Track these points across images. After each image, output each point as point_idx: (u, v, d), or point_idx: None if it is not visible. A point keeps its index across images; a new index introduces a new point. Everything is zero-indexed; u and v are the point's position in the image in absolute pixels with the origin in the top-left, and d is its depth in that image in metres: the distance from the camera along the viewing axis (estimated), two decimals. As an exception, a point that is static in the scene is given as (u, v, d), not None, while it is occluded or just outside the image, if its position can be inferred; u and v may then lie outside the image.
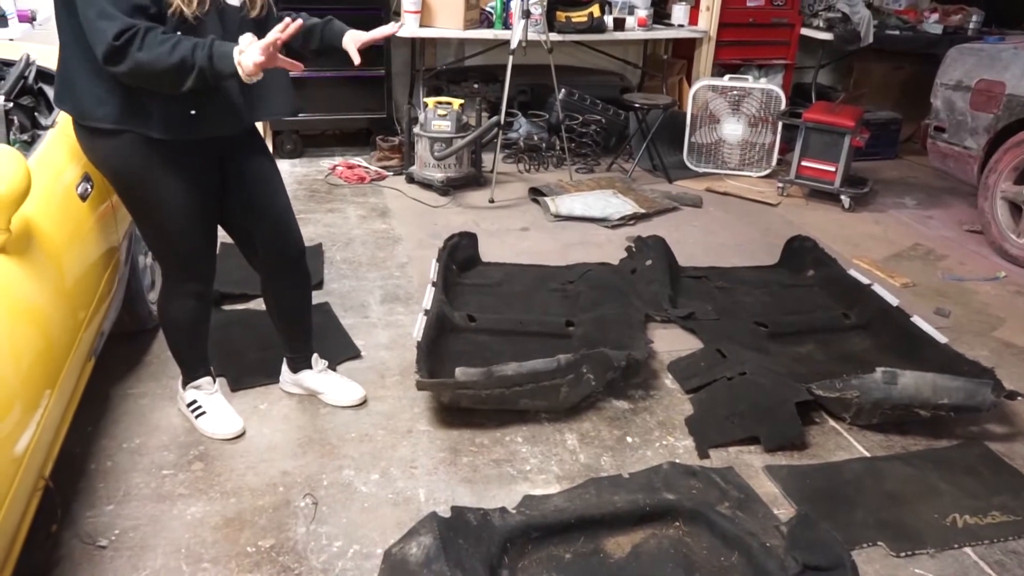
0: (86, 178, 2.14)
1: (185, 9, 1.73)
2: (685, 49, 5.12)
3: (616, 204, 4.00)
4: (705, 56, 4.97)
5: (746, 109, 4.64)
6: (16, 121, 2.21)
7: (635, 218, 3.93)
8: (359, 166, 4.47)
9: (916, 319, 2.79)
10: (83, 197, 2.10)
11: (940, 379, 2.30)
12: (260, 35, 1.86)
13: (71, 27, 1.74)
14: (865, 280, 3.12)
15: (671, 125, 4.72)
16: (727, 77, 4.70)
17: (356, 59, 2.00)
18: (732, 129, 4.68)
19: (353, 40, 2.01)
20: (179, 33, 1.72)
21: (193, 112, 1.84)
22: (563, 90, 4.57)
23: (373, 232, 3.70)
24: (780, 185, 4.42)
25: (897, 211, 4.31)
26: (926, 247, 3.83)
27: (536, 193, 4.18)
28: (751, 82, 4.68)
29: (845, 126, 4.16)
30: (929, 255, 3.75)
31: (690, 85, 4.86)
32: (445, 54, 5.05)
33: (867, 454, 2.25)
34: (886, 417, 2.33)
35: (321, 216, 3.84)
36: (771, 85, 4.68)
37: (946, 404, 2.28)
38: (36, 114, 2.33)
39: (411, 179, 4.34)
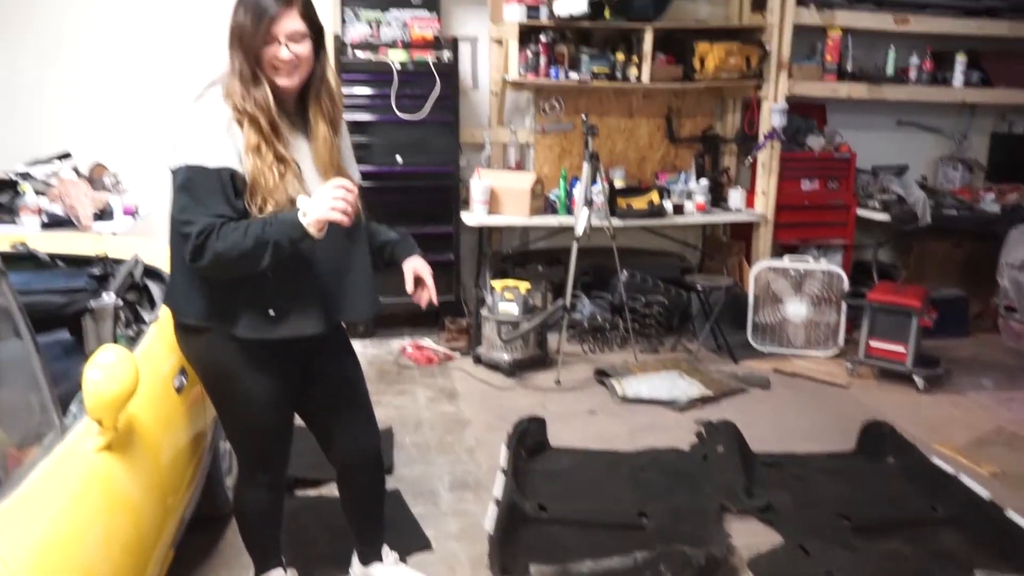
0: (182, 371, 2.26)
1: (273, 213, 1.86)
2: (743, 231, 5.26)
3: (683, 386, 4.00)
4: (763, 238, 5.10)
5: (808, 289, 4.69)
6: (122, 316, 2.38)
7: (703, 401, 3.91)
8: (428, 347, 4.59)
9: (1011, 513, 2.66)
10: (178, 390, 2.21)
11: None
12: (350, 244, 2.01)
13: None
14: (950, 469, 3.01)
15: (733, 305, 4.78)
16: (787, 258, 4.79)
17: (409, 287, 2.13)
18: (796, 309, 4.71)
19: (412, 269, 2.14)
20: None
21: (272, 313, 1.93)
22: (625, 272, 4.70)
23: (442, 415, 3.74)
24: (849, 365, 4.37)
25: (975, 392, 4.20)
26: (1010, 431, 3.70)
27: (602, 375, 4.21)
28: (811, 263, 4.76)
29: (912, 306, 4.16)
30: (1014, 440, 3.61)
31: (750, 266, 4.96)
32: (511, 238, 5.29)
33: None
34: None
35: (391, 398, 3.92)
36: (832, 265, 4.75)
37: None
38: (139, 309, 2.51)
39: (478, 360, 4.43)
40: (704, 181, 5.03)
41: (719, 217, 5.07)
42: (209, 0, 4.55)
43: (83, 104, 4.67)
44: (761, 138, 4.99)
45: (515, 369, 4.27)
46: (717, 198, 5.13)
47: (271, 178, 1.85)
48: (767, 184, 5.04)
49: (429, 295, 2.15)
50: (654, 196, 4.84)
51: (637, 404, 3.90)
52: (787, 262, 4.76)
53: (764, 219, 5.07)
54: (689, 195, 5.02)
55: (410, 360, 4.47)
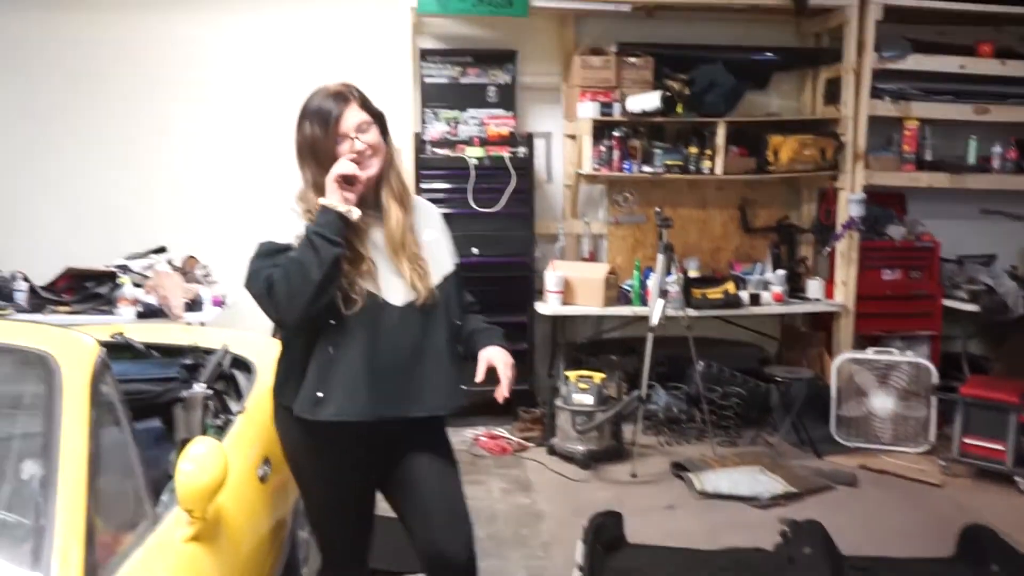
0: (266, 461, 2.31)
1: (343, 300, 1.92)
2: (823, 321, 5.14)
3: (765, 482, 3.86)
4: (844, 328, 4.97)
5: (895, 382, 4.52)
6: (211, 406, 2.45)
7: (787, 498, 3.76)
8: (502, 437, 4.57)
9: None
10: (262, 479, 2.25)
11: None
12: (422, 333, 1.99)
13: None
14: (1061, 579, 2.80)
15: (815, 398, 4.63)
16: (870, 350, 4.64)
17: (479, 376, 2.02)
18: (882, 403, 4.53)
19: (486, 359, 2.04)
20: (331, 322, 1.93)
21: (320, 394, 1.95)
22: (702, 362, 4.63)
23: (516, 507, 3.69)
24: (943, 463, 4.16)
25: (1083, 495, 3.93)
26: None
27: (679, 468, 4.11)
28: (897, 355, 4.60)
29: (1009, 401, 3.96)
30: None
31: (831, 357, 4.83)
32: (584, 328, 5.29)
33: None
34: None
35: (466, 489, 3.88)
36: (919, 358, 4.58)
37: None
38: (226, 399, 2.58)
39: (552, 451, 4.37)
40: (781, 271, 4.97)
41: (798, 307, 4.98)
42: (290, 104, 4.83)
43: (177, 201, 4.95)
44: (839, 228, 4.93)
45: (590, 461, 4.20)
46: (795, 288, 5.04)
47: (350, 273, 1.93)
48: (847, 274, 4.95)
49: (502, 388, 2.03)
50: (730, 286, 4.80)
51: (716, 500, 3.78)
52: (871, 354, 4.62)
53: (845, 309, 4.95)
54: (766, 285, 4.96)
55: (484, 450, 4.45)
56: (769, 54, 5.08)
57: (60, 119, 4.87)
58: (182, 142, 4.96)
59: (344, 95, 1.97)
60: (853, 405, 4.60)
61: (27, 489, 1.48)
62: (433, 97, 4.93)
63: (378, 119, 2.01)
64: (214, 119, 4.96)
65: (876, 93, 4.87)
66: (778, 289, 4.89)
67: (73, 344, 1.71)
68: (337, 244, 1.88)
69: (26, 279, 4.18)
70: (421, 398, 2.01)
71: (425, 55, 4.93)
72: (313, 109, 1.96)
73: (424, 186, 4.69)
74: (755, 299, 4.87)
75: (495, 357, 2.04)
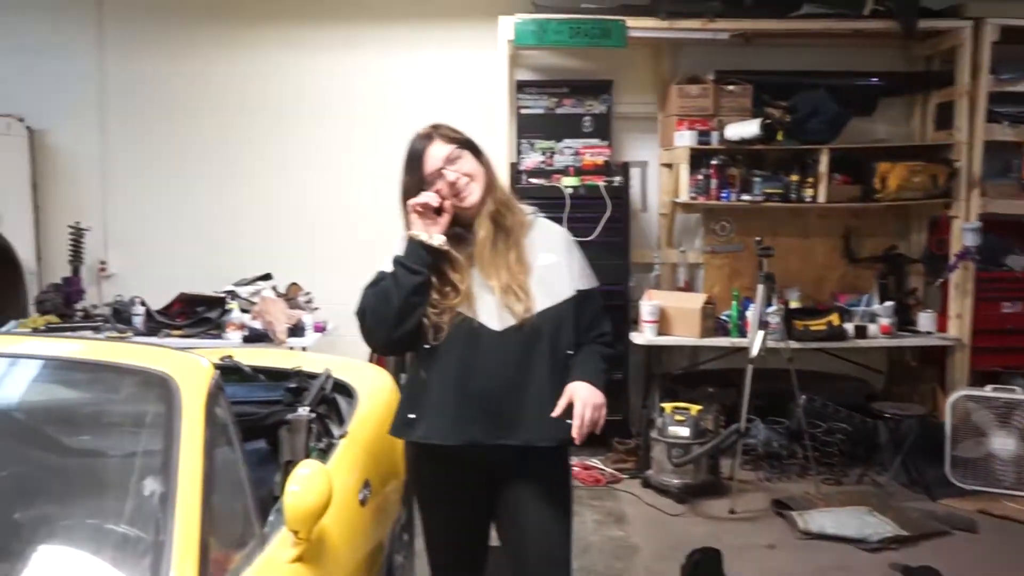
0: (366, 484, 2.34)
1: (426, 320, 1.96)
2: (935, 356, 4.89)
3: (873, 523, 3.67)
4: (959, 364, 4.71)
5: (1017, 422, 4.24)
6: (314, 429, 2.51)
7: (898, 542, 3.56)
8: (595, 467, 4.51)
9: None
10: (363, 503, 2.28)
11: None
12: (526, 358, 1.95)
13: None
14: None
15: (927, 436, 4.38)
16: (989, 387, 4.38)
17: (556, 411, 1.91)
18: (1002, 443, 4.25)
19: (568, 394, 1.92)
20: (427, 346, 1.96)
21: (412, 416, 1.98)
22: (804, 396, 4.46)
23: (610, 540, 3.63)
24: (1072, 511, 3.87)
25: None
26: None
27: (780, 506, 3.96)
28: (1019, 393, 4.32)
29: None
30: None
31: (945, 393, 4.58)
32: (679, 359, 5.19)
33: None
34: None
35: (558, 520, 3.85)
36: (1043, 396, 4.29)
37: None
38: (328, 423, 2.64)
39: (647, 483, 4.29)
40: (889, 303, 4.76)
41: (908, 340, 4.76)
42: (396, 137, 4.98)
43: (284, 229, 5.16)
44: (952, 258, 4.70)
45: (686, 495, 4.10)
46: (904, 320, 4.82)
47: (439, 300, 1.97)
48: (962, 306, 4.71)
49: (582, 426, 1.89)
50: (834, 318, 4.62)
51: (821, 540, 3.62)
52: (989, 391, 4.35)
53: (960, 343, 4.70)
54: (872, 317, 4.76)
55: (577, 480, 4.40)
56: (875, 79, 4.93)
57: (175, 152, 5.17)
58: (290, 174, 5.17)
59: (427, 134, 2.02)
60: (970, 445, 4.33)
61: (148, 505, 1.54)
62: (529, 127, 4.98)
63: (468, 146, 2.02)
64: (323, 151, 5.16)
65: (993, 117, 4.65)
66: (886, 321, 4.68)
67: (191, 366, 1.78)
68: (416, 272, 1.93)
69: (143, 303, 4.42)
70: (517, 427, 1.94)
71: (521, 86, 5.00)
72: (406, 156, 2.03)
73: (519, 215, 4.73)
74: (861, 331, 4.67)
75: (577, 392, 1.92)
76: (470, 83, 5.03)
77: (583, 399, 1.91)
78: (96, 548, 1.53)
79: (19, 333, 3.90)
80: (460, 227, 2.03)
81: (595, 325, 2.07)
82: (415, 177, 1.99)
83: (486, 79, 4.92)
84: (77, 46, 5.11)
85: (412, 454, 2.10)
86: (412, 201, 1.96)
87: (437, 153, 1.98)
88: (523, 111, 4.98)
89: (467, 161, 2.00)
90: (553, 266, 2.03)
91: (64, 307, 4.56)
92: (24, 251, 4.99)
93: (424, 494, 2.10)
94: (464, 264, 2.00)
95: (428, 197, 1.96)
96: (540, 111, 4.99)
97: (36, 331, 4.16)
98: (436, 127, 2.04)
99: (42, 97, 5.11)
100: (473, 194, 1.99)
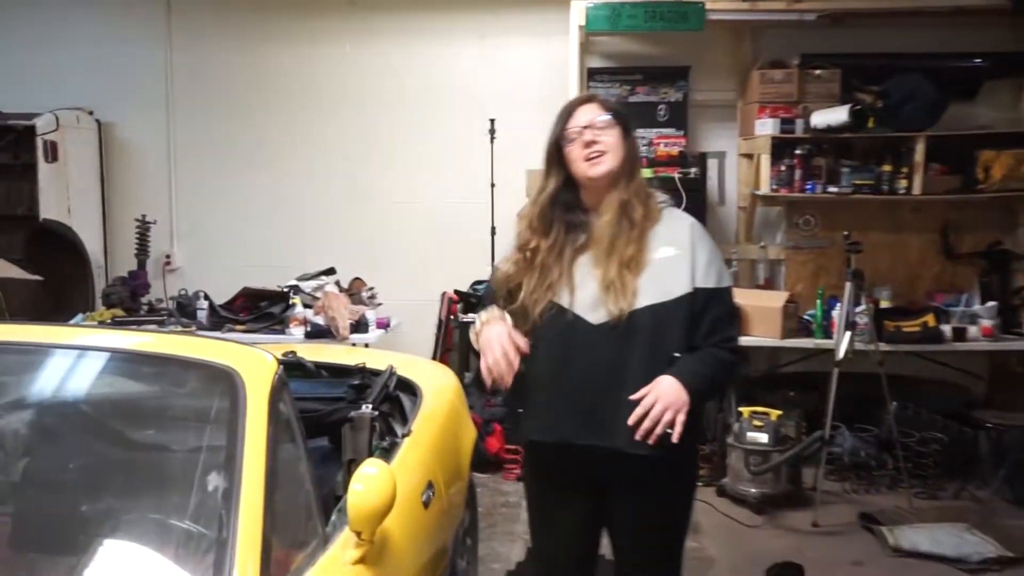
0: (429, 486, 2.36)
1: (529, 310, 1.96)
2: (1043, 361, 4.68)
3: (973, 542, 3.53)
4: (1073, 371, 4.50)
5: None
6: (377, 427, 2.54)
7: (1001, 563, 3.42)
8: (667, 474, 4.45)
9: None
10: (426, 505, 2.30)
11: None
12: (621, 359, 1.88)
13: None
14: None
15: (1034, 449, 4.19)
16: (1105, 396, 4.16)
17: (638, 412, 1.82)
18: (1120, 459, 4.04)
19: (653, 385, 1.84)
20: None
21: (520, 411, 2.00)
22: (895, 403, 4.32)
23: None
24: None
25: None
26: None
27: (868, 520, 3.84)
28: None
29: None
30: None
31: (1055, 403, 4.37)
32: (758, 360, 5.08)
33: None
34: None
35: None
36: None
37: None
38: (391, 421, 2.67)
39: (722, 492, 4.22)
40: (992, 303, 4.56)
41: (1012, 344, 4.55)
42: (460, 126, 5.03)
43: (348, 222, 5.24)
44: (1065, 254, 4.48)
45: (764, 505, 4.03)
46: (1010, 322, 4.61)
47: (530, 278, 1.97)
48: (1075, 308, 4.48)
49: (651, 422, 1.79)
50: (929, 318, 4.45)
51: (913, 558, 3.50)
52: (1105, 400, 4.13)
53: (1074, 349, 4.48)
54: (973, 318, 4.57)
55: (648, 488, 4.35)
56: (978, 60, 4.73)
57: (241, 145, 5.31)
58: (355, 167, 5.26)
59: (586, 97, 2.07)
60: (1083, 460, 4.13)
61: (211, 501, 1.57)
62: (600, 117, 4.94)
63: (619, 121, 2.00)
64: (389, 144, 5.24)
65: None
66: (988, 323, 4.49)
67: (255, 360, 1.81)
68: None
69: (207, 298, 4.55)
70: (611, 430, 1.88)
71: (593, 74, 4.97)
72: (559, 111, 2.05)
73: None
74: (959, 334, 4.49)
75: (658, 386, 1.81)
76: (539, 72, 5.02)
77: (659, 393, 1.81)
78: (159, 544, 1.58)
79: (86, 326, 4.05)
80: (583, 210, 2.02)
81: (718, 329, 1.92)
82: (557, 131, 2.02)
83: (556, 67, 4.90)
84: (145, 39, 5.30)
85: (524, 450, 2.14)
86: (488, 362, 1.92)
87: (584, 115, 2.00)
88: (594, 100, 4.94)
89: (610, 133, 1.98)
90: (671, 260, 1.93)
91: (130, 301, 4.74)
92: (92, 245, 5.21)
93: (531, 494, 2.12)
94: (569, 256, 1.98)
95: (490, 370, 1.91)
96: (612, 99, 4.94)
97: (102, 324, 4.32)
98: (596, 95, 2.11)
99: (111, 90, 5.32)
100: (603, 165, 1.96)
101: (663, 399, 1.81)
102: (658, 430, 1.80)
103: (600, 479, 1.98)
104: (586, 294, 1.93)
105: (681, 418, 1.81)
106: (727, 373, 1.95)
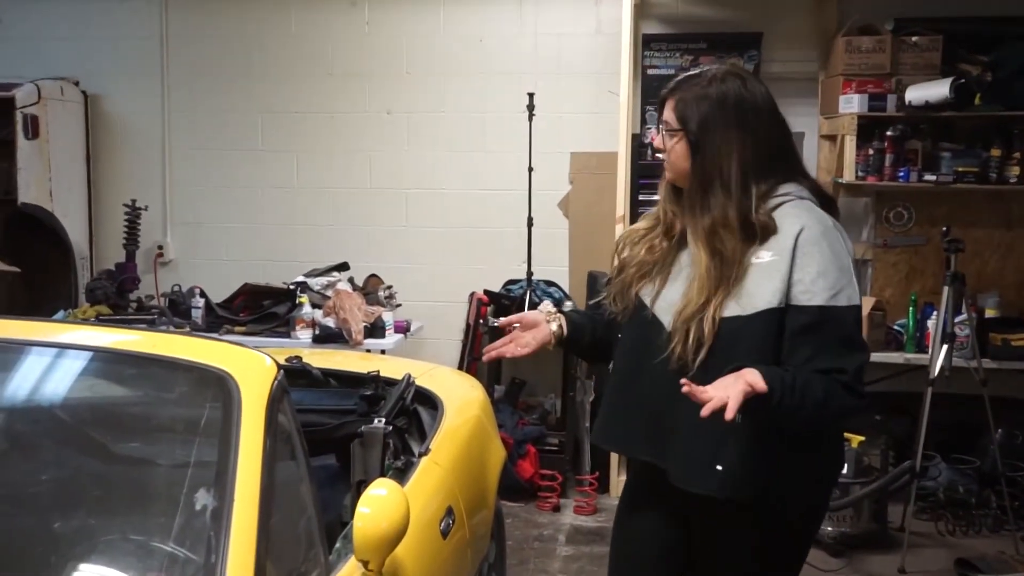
0: (449, 512, 2.37)
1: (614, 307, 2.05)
2: None
3: (1092, 596, 3.47)
4: None
5: None
6: (391, 445, 2.56)
7: (1123, 621, 3.36)
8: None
9: None
10: (444, 533, 2.31)
11: None
12: (673, 387, 1.72)
13: None
14: None
15: None
16: None
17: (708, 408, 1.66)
18: None
19: (734, 373, 1.70)
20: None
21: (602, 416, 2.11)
22: (1000, 431, 4.27)
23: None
24: None
25: None
26: None
27: (967, 567, 3.81)
28: None
29: None
30: None
31: None
32: (839, 378, 5.04)
33: None
34: None
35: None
36: None
37: None
38: (408, 438, 2.69)
39: (794, 530, 4.19)
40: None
41: None
42: (492, 103, 5.05)
43: (363, 213, 5.28)
44: None
45: (843, 546, 4.04)
46: None
47: (627, 272, 2.04)
48: None
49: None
50: (1043, 331, 4.41)
51: (1020, 615, 3.45)
52: None
53: None
54: (1095, 332, 4.50)
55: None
56: (1106, 26, 4.65)
57: (243, 122, 5.38)
58: (372, 149, 5.29)
59: (670, 89, 2.04)
60: None
61: (199, 521, 1.60)
62: (657, 92, 4.92)
63: (689, 136, 1.93)
64: (410, 123, 5.26)
65: None
66: (1118, 340, 4.42)
67: (252, 364, 1.84)
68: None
69: (203, 295, 4.62)
70: (667, 450, 1.90)
71: (648, 42, 4.95)
72: None
73: (642, 197, 4.71)
74: (1080, 349, 4.43)
75: (743, 371, 1.67)
76: (586, 39, 5.01)
77: (741, 374, 1.66)
78: (140, 568, 1.61)
79: (64, 322, 4.13)
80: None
81: (823, 357, 1.76)
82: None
83: (606, 34, 4.90)
84: (138, 2, 5.38)
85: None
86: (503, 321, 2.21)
87: (665, 112, 2.03)
88: (650, 71, 4.94)
89: (672, 142, 1.97)
90: (763, 266, 1.83)
91: (117, 297, 4.82)
92: (75, 233, 5.30)
93: (619, 510, 2.18)
94: (675, 246, 2.00)
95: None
96: (671, 71, 4.92)
97: (85, 323, 4.41)
98: (680, 88, 2.00)
99: (99, 58, 5.42)
100: (669, 173, 2.02)
101: (737, 377, 1.66)
102: (711, 401, 1.62)
103: (682, 505, 1.96)
104: (671, 294, 1.95)
105: (738, 399, 1.61)
106: (827, 405, 1.74)
